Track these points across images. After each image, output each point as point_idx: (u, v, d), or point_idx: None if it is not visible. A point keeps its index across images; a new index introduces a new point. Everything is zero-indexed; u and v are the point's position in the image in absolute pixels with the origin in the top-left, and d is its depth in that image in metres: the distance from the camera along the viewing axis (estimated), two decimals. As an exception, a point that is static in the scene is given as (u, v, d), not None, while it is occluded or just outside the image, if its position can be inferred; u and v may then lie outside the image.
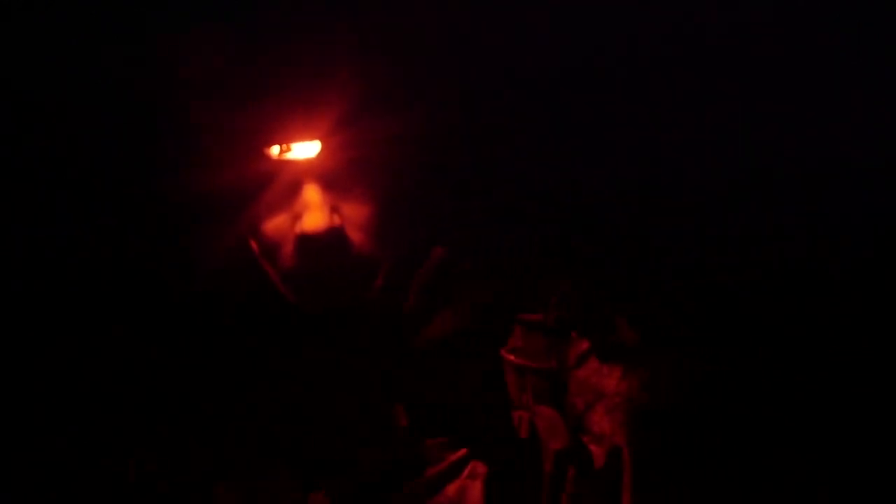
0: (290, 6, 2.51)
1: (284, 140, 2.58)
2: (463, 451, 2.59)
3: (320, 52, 2.54)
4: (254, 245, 2.64)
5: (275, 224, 2.63)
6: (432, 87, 2.59)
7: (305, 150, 2.60)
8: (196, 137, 2.50)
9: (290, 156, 2.60)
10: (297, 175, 2.61)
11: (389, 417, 2.60)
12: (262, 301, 2.64)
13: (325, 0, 2.51)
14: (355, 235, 2.64)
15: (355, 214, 2.65)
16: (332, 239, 2.61)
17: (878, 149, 2.70)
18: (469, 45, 2.58)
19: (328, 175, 2.63)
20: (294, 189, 2.62)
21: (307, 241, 2.59)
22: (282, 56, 2.53)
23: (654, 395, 2.53)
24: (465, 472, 2.59)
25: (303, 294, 2.64)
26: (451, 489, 2.57)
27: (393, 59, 2.57)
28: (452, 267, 2.67)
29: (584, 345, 2.61)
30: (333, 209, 2.62)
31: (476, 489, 2.55)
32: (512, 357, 2.63)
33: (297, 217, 2.61)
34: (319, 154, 2.61)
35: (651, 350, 2.57)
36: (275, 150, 2.60)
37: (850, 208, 2.65)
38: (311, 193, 2.62)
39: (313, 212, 2.60)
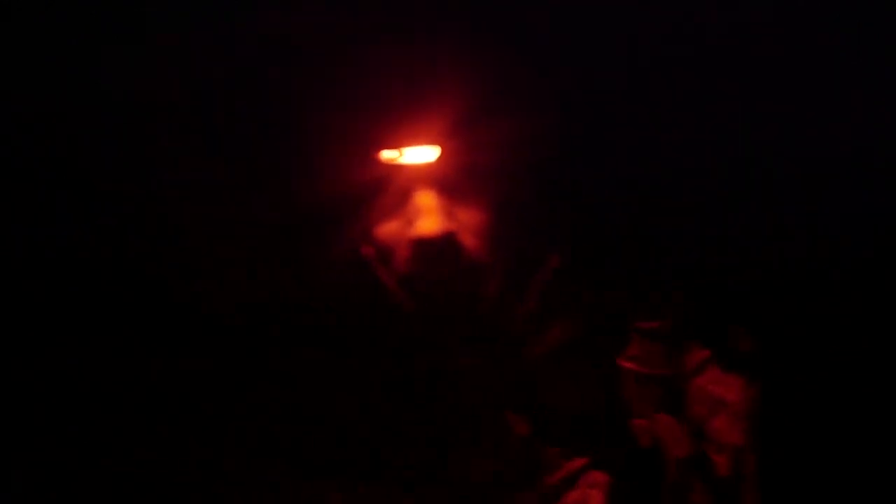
0: (406, 9, 2.48)
1: (399, 145, 2.57)
2: (583, 460, 2.54)
3: (435, 55, 2.52)
4: (369, 251, 2.63)
5: (390, 229, 2.63)
6: (551, 91, 2.55)
7: (420, 154, 2.58)
8: (312, 142, 2.50)
9: (403, 160, 2.58)
10: (410, 180, 2.60)
11: (506, 425, 2.56)
12: (375, 306, 2.62)
13: (443, 3, 2.48)
14: (469, 241, 2.62)
15: (469, 219, 2.63)
16: (446, 244, 2.59)
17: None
18: (590, 49, 2.52)
19: (442, 179, 2.61)
20: (407, 194, 2.61)
21: (422, 246, 2.58)
22: (397, 60, 2.52)
23: (777, 404, 2.46)
24: (585, 480, 2.53)
25: (417, 299, 2.62)
26: (571, 498, 2.52)
27: (510, 63, 2.54)
28: (568, 274, 2.62)
29: (703, 352, 2.54)
30: (448, 214, 2.60)
31: (597, 498, 2.49)
32: (630, 365, 2.57)
33: (410, 222, 2.60)
34: (437, 161, 2.59)
35: (772, 358, 2.50)
36: (388, 155, 2.58)
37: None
38: (426, 198, 2.60)
39: (428, 216, 2.59)
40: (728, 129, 2.59)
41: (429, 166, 2.60)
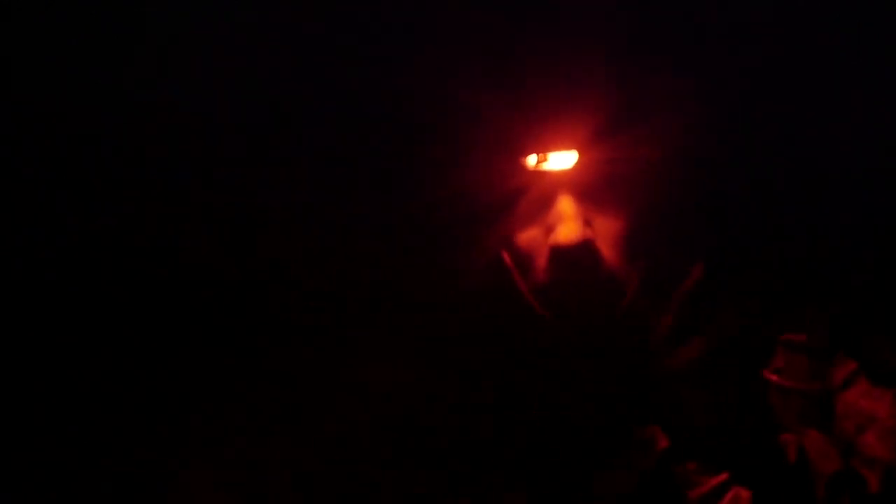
0: (552, 12, 2.46)
1: (541, 150, 2.53)
2: (724, 476, 2.47)
3: (580, 61, 2.50)
4: (507, 257, 2.58)
5: (528, 236, 2.59)
6: (694, 99, 2.52)
7: (561, 160, 2.55)
8: (455, 147, 2.46)
9: (546, 166, 2.55)
10: (551, 186, 2.57)
11: (646, 440, 2.49)
12: (512, 314, 2.57)
13: (590, 7, 2.46)
14: (608, 250, 2.57)
15: (608, 229, 2.58)
16: (584, 252, 2.54)
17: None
18: (732, 58, 2.50)
19: (582, 187, 2.58)
20: (548, 200, 2.57)
21: (560, 254, 2.53)
22: (541, 65, 2.49)
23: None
24: (728, 497, 2.46)
25: (553, 308, 2.57)
26: (715, 513, 2.45)
27: (654, 69, 2.51)
28: (711, 286, 2.57)
29: (851, 366, 2.49)
30: (587, 222, 2.56)
31: (741, 514, 2.43)
32: (776, 378, 2.52)
33: (550, 229, 2.56)
34: (575, 165, 2.55)
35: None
36: (532, 160, 2.55)
37: None
38: (566, 205, 2.56)
39: (567, 224, 2.55)
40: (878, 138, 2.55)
41: (571, 173, 2.56)
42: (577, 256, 2.54)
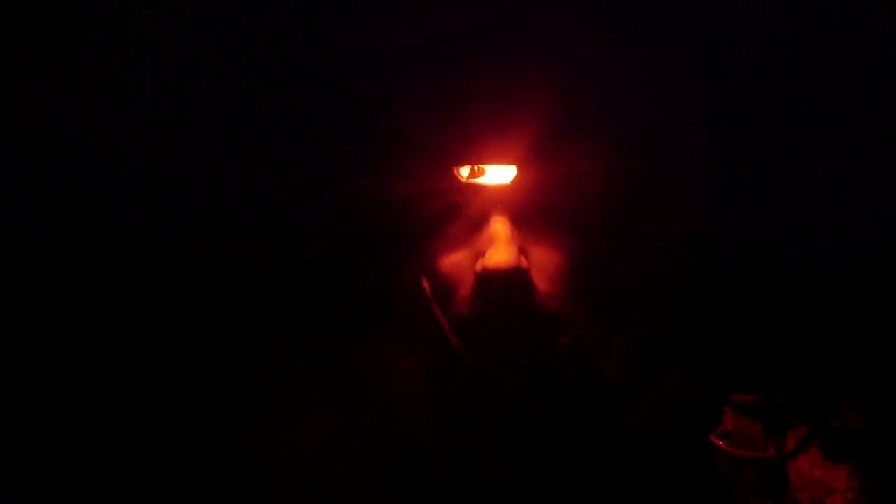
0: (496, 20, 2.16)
1: (477, 161, 2.20)
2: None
3: (523, 67, 2.19)
4: (426, 284, 2.22)
5: (454, 260, 2.23)
6: (646, 117, 2.23)
7: (499, 175, 2.22)
8: (384, 147, 2.11)
9: (481, 180, 2.21)
10: (485, 205, 2.23)
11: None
12: (431, 348, 2.20)
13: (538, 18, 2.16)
14: (543, 284, 2.25)
15: (545, 261, 2.26)
16: (515, 281, 2.21)
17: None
18: (692, 71, 2.23)
19: (520, 209, 2.25)
20: (480, 222, 2.23)
21: (487, 281, 2.19)
22: (482, 68, 2.18)
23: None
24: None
25: (476, 345, 2.21)
26: None
27: (602, 83, 2.22)
28: (654, 344, 2.27)
29: (803, 430, 2.21)
30: (521, 250, 2.24)
31: None
32: (722, 443, 2.20)
33: (479, 254, 2.22)
34: (513, 184, 2.23)
35: (884, 438, 2.19)
36: (465, 172, 2.21)
37: None
38: (499, 227, 2.23)
39: (498, 247, 2.21)
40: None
41: (506, 191, 2.23)
42: (506, 285, 2.20)
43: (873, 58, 2.12)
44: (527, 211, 2.25)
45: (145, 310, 2.23)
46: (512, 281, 2.21)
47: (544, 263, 2.26)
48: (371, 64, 2.10)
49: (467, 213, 2.23)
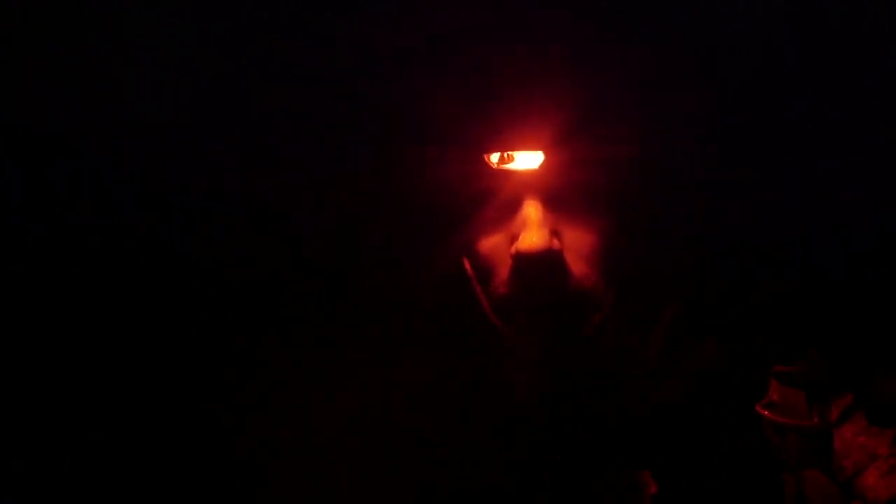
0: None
1: (506, 148, 2.26)
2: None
3: (548, 56, 2.18)
4: (467, 265, 2.34)
5: (491, 243, 2.34)
6: (674, 104, 2.17)
7: (527, 160, 2.28)
8: (415, 140, 2.20)
9: (511, 166, 2.28)
10: (517, 189, 2.30)
11: (634, 483, 2.25)
12: (468, 326, 2.33)
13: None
14: (575, 265, 2.31)
15: (579, 241, 2.31)
16: (548, 262, 2.28)
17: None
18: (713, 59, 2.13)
19: (551, 192, 2.30)
20: (513, 205, 2.31)
21: (522, 263, 2.28)
22: (509, 57, 2.19)
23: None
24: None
25: (513, 322, 2.33)
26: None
27: (629, 68, 2.17)
28: (695, 316, 2.29)
29: (847, 399, 2.20)
30: (554, 232, 2.30)
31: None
32: (768, 413, 2.25)
33: (514, 237, 2.31)
34: (542, 168, 2.27)
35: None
36: (495, 158, 2.28)
37: None
38: (531, 210, 2.30)
39: (531, 230, 2.29)
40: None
41: (537, 175, 2.28)
42: (540, 266, 2.28)
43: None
44: (557, 194, 2.30)
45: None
46: (545, 262, 2.28)
47: (577, 245, 2.32)
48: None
49: (500, 197, 2.31)
